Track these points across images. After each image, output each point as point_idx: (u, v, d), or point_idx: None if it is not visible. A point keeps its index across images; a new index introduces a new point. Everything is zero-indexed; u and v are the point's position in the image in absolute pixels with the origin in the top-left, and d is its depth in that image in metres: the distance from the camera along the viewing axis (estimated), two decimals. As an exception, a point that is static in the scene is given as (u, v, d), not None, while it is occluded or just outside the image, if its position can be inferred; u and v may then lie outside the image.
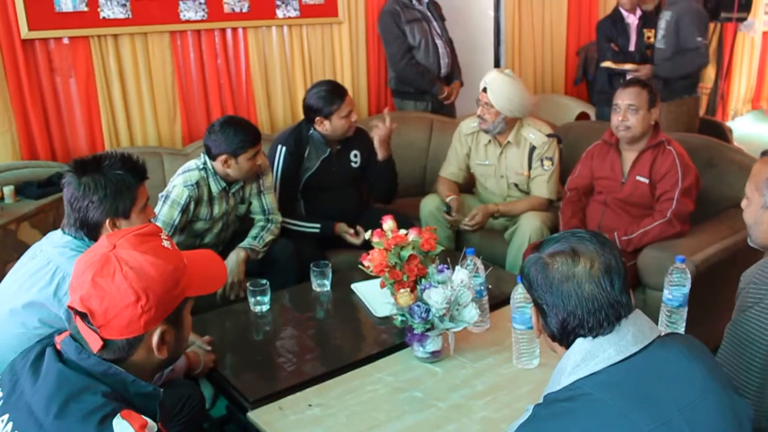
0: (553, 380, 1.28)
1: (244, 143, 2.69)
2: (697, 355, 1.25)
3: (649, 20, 4.71)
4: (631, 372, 1.19)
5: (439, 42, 4.17)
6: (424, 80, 4.11)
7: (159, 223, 2.66)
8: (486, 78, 3.12)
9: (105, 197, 1.86)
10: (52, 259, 1.85)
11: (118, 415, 1.13)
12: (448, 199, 3.25)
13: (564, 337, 1.28)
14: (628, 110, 2.77)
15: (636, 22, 4.66)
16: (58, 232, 1.94)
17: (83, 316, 1.21)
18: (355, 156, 3.28)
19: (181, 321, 1.32)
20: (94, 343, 1.21)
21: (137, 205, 1.92)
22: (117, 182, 1.87)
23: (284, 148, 3.12)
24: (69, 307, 1.23)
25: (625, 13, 4.67)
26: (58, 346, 1.24)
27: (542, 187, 3.18)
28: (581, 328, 1.24)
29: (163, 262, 1.24)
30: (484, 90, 3.11)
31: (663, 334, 1.28)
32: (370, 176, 3.37)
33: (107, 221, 1.88)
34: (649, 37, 4.64)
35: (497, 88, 3.06)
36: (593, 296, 1.23)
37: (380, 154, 3.25)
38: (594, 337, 1.23)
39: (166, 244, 1.30)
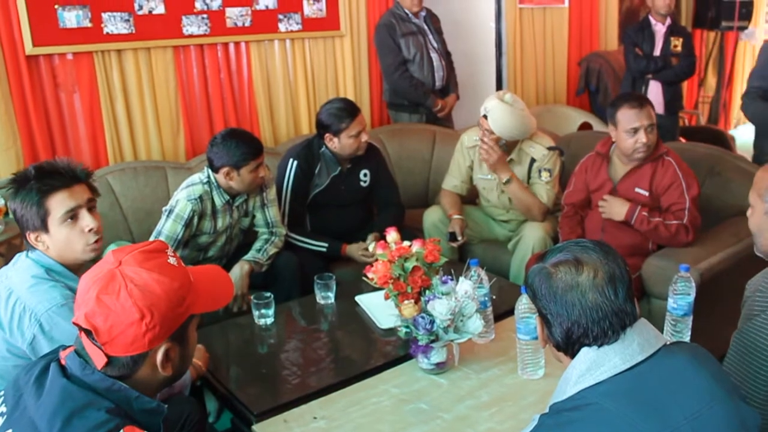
0: (558, 390, 1.28)
1: (246, 155, 2.70)
2: (704, 364, 1.24)
3: (677, 29, 4.86)
4: (637, 381, 1.18)
5: (434, 55, 4.18)
6: (417, 93, 4.12)
7: (162, 238, 2.66)
8: (486, 105, 3.09)
9: (15, 212, 1.81)
10: (13, 289, 1.80)
11: (122, 431, 1.13)
12: (451, 221, 3.22)
13: (569, 346, 1.27)
14: (647, 130, 2.72)
15: (664, 30, 4.80)
16: (23, 254, 1.88)
17: (88, 333, 1.20)
18: (365, 175, 3.27)
19: (186, 338, 1.31)
20: (99, 360, 1.21)
21: (53, 217, 1.79)
22: (23, 197, 1.79)
23: (296, 162, 3.12)
24: (74, 323, 1.23)
25: (653, 21, 4.83)
26: (63, 361, 1.24)
27: (541, 193, 3.16)
28: (586, 337, 1.24)
29: (169, 280, 1.24)
30: (485, 117, 3.09)
31: (669, 342, 1.28)
32: (378, 199, 3.37)
33: (28, 235, 1.83)
34: (675, 45, 4.76)
35: (497, 117, 3.03)
36: (597, 305, 1.22)
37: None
38: (599, 346, 1.23)
39: (172, 261, 1.29)
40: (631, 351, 1.21)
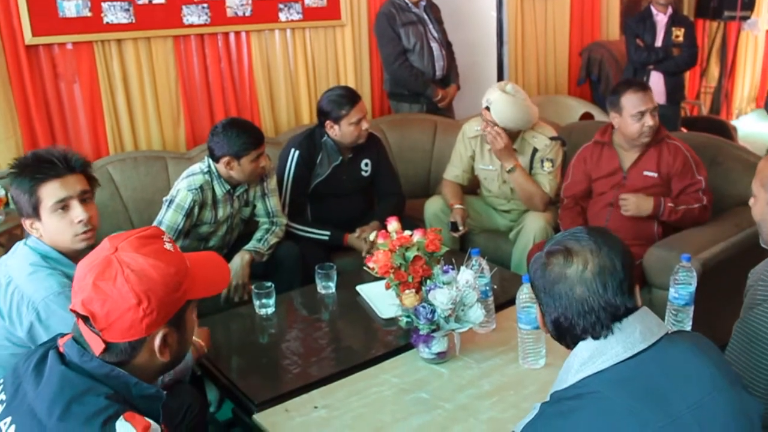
0: (560, 378, 1.28)
1: (247, 145, 2.69)
2: (706, 352, 1.24)
3: (679, 19, 4.84)
4: (639, 369, 1.18)
5: (434, 45, 4.16)
6: (417, 82, 4.11)
7: (163, 228, 2.65)
8: (489, 96, 3.07)
9: (13, 198, 1.84)
10: (12, 277, 1.80)
11: (121, 417, 1.13)
12: (453, 211, 3.21)
13: (560, 337, 1.28)
14: (652, 113, 2.73)
15: (665, 20, 4.79)
16: (22, 241, 1.89)
17: (85, 319, 1.20)
18: (366, 165, 3.27)
19: (183, 324, 1.31)
20: (97, 346, 1.21)
21: (44, 206, 1.80)
22: (18, 183, 1.80)
23: (297, 152, 3.12)
24: (71, 309, 1.23)
25: (654, 11, 4.83)
26: (61, 349, 1.24)
27: (543, 182, 3.15)
28: (573, 329, 1.23)
29: (165, 265, 1.24)
30: (487, 108, 3.07)
31: (670, 331, 1.27)
32: (379, 189, 3.36)
33: (23, 221, 1.84)
34: (677, 36, 4.74)
35: (500, 108, 3.02)
36: (583, 299, 1.22)
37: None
38: (595, 338, 1.23)
39: (168, 246, 1.29)
40: (632, 339, 1.21)
